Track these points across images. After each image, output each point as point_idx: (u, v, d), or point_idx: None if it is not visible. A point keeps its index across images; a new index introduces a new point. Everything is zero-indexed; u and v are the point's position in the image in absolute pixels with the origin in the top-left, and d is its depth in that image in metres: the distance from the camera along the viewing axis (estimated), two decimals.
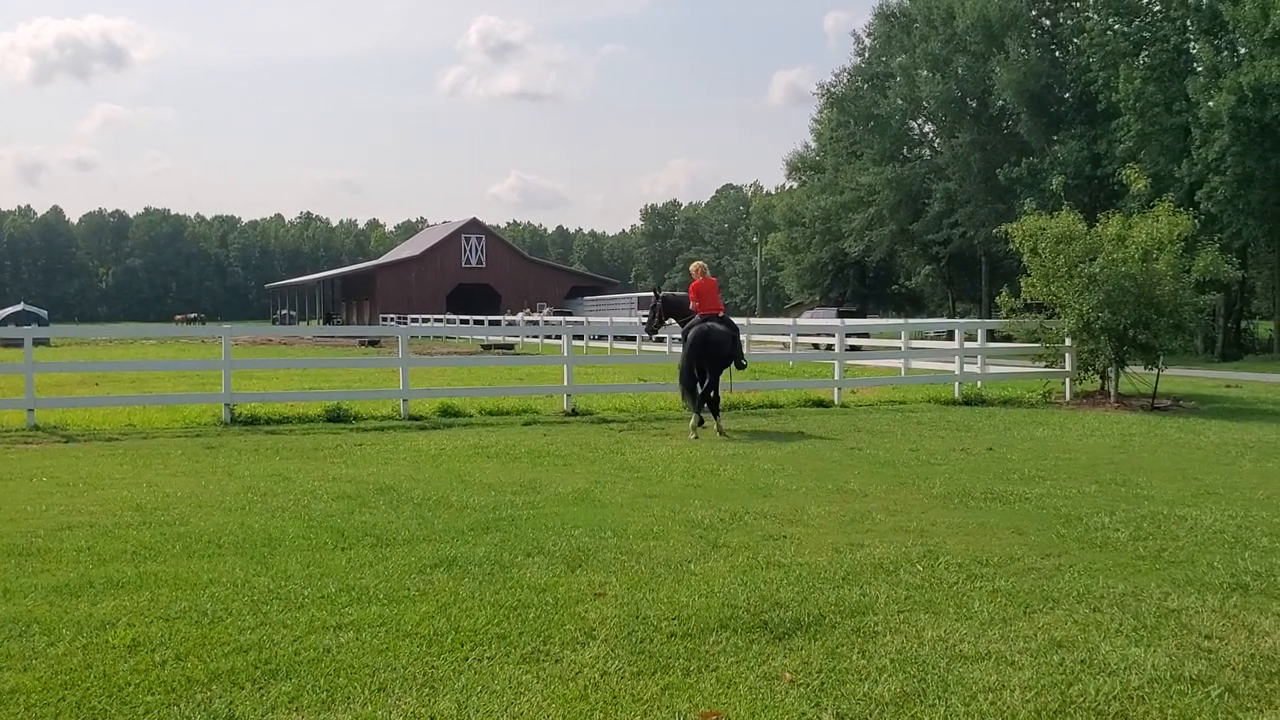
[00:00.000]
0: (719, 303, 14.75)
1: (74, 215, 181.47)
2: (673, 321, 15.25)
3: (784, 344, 32.81)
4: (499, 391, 18.13)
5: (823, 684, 4.61)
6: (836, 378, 18.66)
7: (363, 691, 4.45)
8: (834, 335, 26.81)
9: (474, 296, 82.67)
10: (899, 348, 24.21)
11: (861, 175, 57.12)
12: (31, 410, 14.58)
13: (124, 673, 4.65)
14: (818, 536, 7.48)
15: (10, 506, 8.59)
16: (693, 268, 15.39)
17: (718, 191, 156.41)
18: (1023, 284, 19.37)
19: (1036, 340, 20.06)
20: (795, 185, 76.12)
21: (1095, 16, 44.37)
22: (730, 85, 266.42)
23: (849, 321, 24.63)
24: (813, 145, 68.65)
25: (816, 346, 33.59)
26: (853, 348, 24.02)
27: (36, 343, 15.10)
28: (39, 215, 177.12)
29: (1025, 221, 19.64)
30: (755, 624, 5.39)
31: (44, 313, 56.40)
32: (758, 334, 32.62)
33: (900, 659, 4.90)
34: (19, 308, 56.11)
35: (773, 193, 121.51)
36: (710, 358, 14.00)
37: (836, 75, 64.03)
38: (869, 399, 18.96)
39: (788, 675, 4.69)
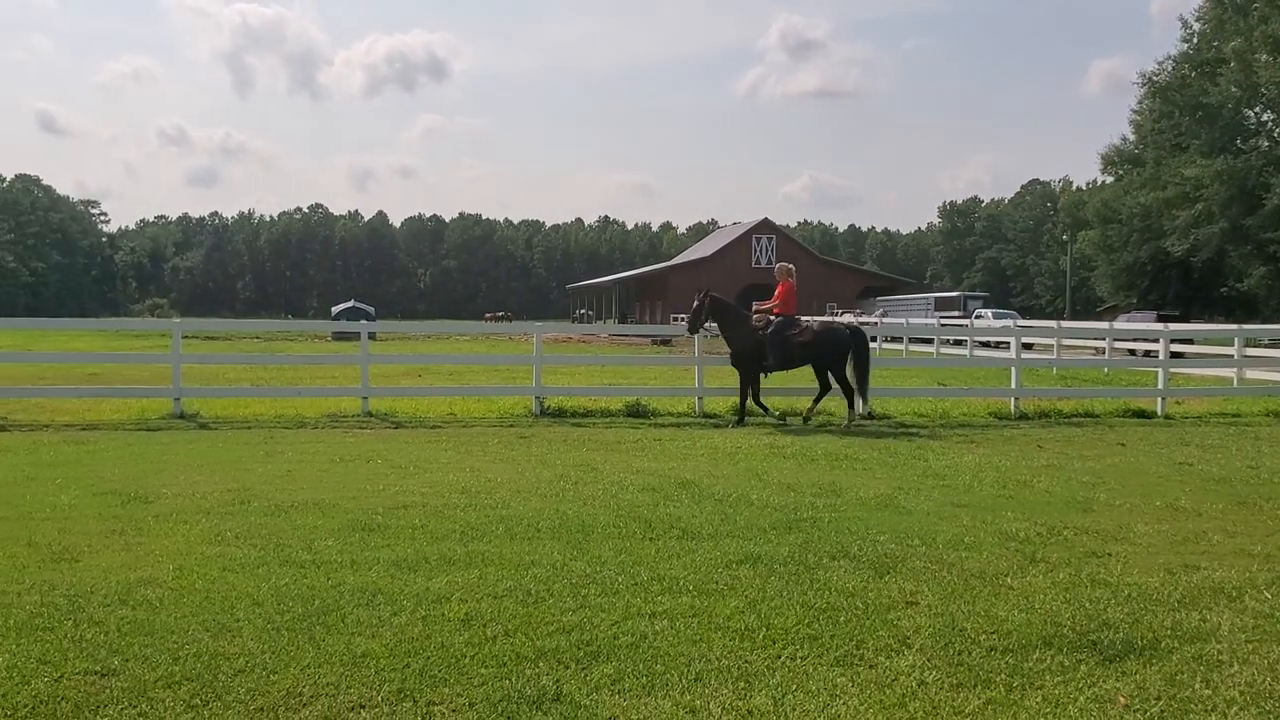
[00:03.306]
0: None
1: (397, 219, 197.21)
2: (714, 323, 15.94)
3: (1097, 349, 30.85)
4: (791, 392, 18.04)
5: (1162, 712, 4.29)
6: (1160, 386, 17.33)
7: (680, 680, 4.55)
8: (1153, 341, 24.92)
9: (763, 296, 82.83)
10: (1231, 355, 22.17)
11: (1187, 169, 52.77)
12: (366, 398, 15.94)
13: (459, 645, 4.98)
14: (1146, 556, 6.97)
15: (353, 486, 9.41)
16: (787, 268, 16.11)
17: (1023, 187, 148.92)
18: None
19: None
20: (1111, 180, 71.33)
21: None
22: (1041, 76, 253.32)
23: (1172, 326, 22.77)
24: (1131, 137, 64.16)
25: (1133, 353, 31.35)
26: (1175, 355, 22.22)
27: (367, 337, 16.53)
28: (366, 219, 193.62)
29: None
30: (1082, 644, 5.08)
31: (371, 309, 61.63)
32: (1068, 338, 30.89)
33: (1251, 692, 4.49)
34: (350, 304, 61.70)
35: (1084, 188, 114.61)
36: (859, 358, 15.05)
37: (1160, 63, 59.49)
38: (1196, 410, 17.48)
39: (1122, 699, 4.40)
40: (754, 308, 16.04)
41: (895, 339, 38.14)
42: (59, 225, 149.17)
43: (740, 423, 14.95)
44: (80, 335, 47.13)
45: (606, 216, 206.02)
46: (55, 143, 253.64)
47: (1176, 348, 23.43)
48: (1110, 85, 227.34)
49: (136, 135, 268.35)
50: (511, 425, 14.72)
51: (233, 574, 6.22)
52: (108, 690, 4.40)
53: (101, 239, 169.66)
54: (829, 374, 15.17)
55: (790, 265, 16.36)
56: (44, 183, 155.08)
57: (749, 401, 15.31)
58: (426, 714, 4.20)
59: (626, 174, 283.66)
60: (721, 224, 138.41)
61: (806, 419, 15.06)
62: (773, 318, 15.37)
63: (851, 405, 15.05)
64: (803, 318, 15.93)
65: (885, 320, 47.24)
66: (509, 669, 4.67)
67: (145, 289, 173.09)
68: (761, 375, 15.48)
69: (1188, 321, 46.29)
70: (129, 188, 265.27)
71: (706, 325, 16.01)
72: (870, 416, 15.58)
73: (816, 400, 15.31)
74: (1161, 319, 40.23)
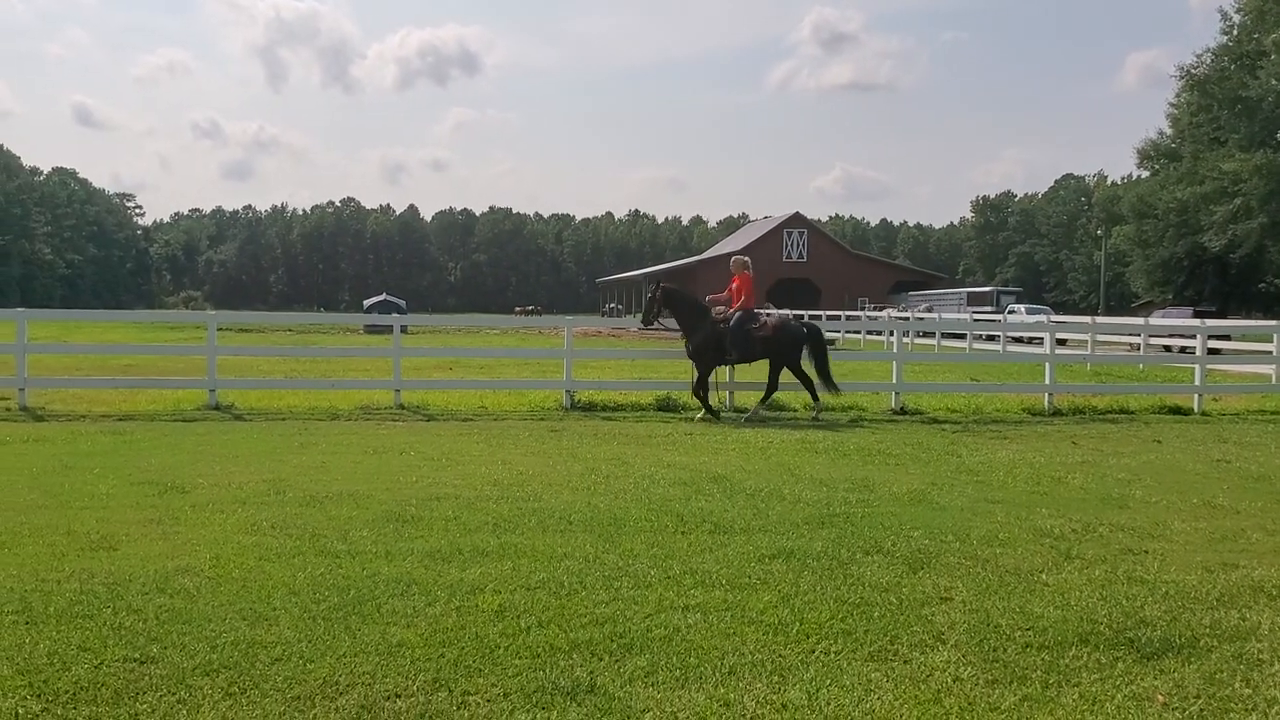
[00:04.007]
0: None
1: (428, 213, 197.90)
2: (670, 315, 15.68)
3: (1131, 345, 30.58)
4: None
5: (1201, 711, 4.25)
6: (1197, 383, 17.14)
7: (714, 673, 4.55)
8: (1188, 336, 24.68)
9: (795, 291, 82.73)
10: (1270, 351, 21.91)
11: (1225, 163, 52.09)
12: (398, 391, 16.02)
13: (493, 636, 5.00)
14: (1184, 554, 6.90)
15: (387, 477, 9.48)
16: (743, 261, 15.88)
17: (1056, 182, 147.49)
18: None
19: None
20: (1146, 174, 70.57)
21: None
22: (1077, 69, 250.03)
23: (1209, 322, 22.50)
24: (1168, 131, 63.42)
25: (1168, 349, 31.04)
26: (1212, 351, 21.97)
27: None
28: (398, 213, 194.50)
29: None
30: (1119, 641, 5.05)
31: (403, 303, 62.05)
32: (1102, 334, 30.59)
33: None
34: (381, 298, 62.23)
35: (1119, 183, 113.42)
36: (816, 352, 15.30)
37: (1199, 56, 58.70)
38: (1234, 407, 17.28)
39: (1160, 697, 4.36)
40: (707, 300, 15.92)
41: (928, 334, 37.93)
42: (95, 218, 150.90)
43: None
44: (116, 327, 47.71)
45: (636, 210, 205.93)
46: (91, 136, 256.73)
47: (1213, 344, 23.20)
48: (1147, 78, 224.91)
49: (171, 128, 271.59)
50: (542, 419, 14.76)
51: (269, 563, 6.28)
52: (147, 677, 4.45)
53: (136, 231, 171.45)
54: (784, 369, 15.23)
55: (747, 259, 16.21)
56: (80, 175, 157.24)
57: (699, 391, 15.22)
58: (462, 704, 4.22)
59: (657, 168, 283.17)
60: (752, 218, 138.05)
61: (750, 418, 14.88)
62: (732, 311, 15.33)
63: (815, 396, 15.20)
64: (759, 311, 15.84)
65: (924, 316, 46.81)
66: (543, 660, 4.69)
67: (179, 281, 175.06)
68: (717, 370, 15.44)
69: (1225, 317, 45.76)
70: (164, 181, 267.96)
71: (662, 320, 15.90)
72: (902, 411, 15.49)
73: (764, 399, 15.29)
74: (1198, 315, 39.83)
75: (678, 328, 15.75)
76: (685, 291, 16.14)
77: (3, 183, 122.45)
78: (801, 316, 56.45)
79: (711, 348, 15.15)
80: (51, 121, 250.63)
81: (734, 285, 15.52)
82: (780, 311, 25.13)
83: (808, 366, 15.35)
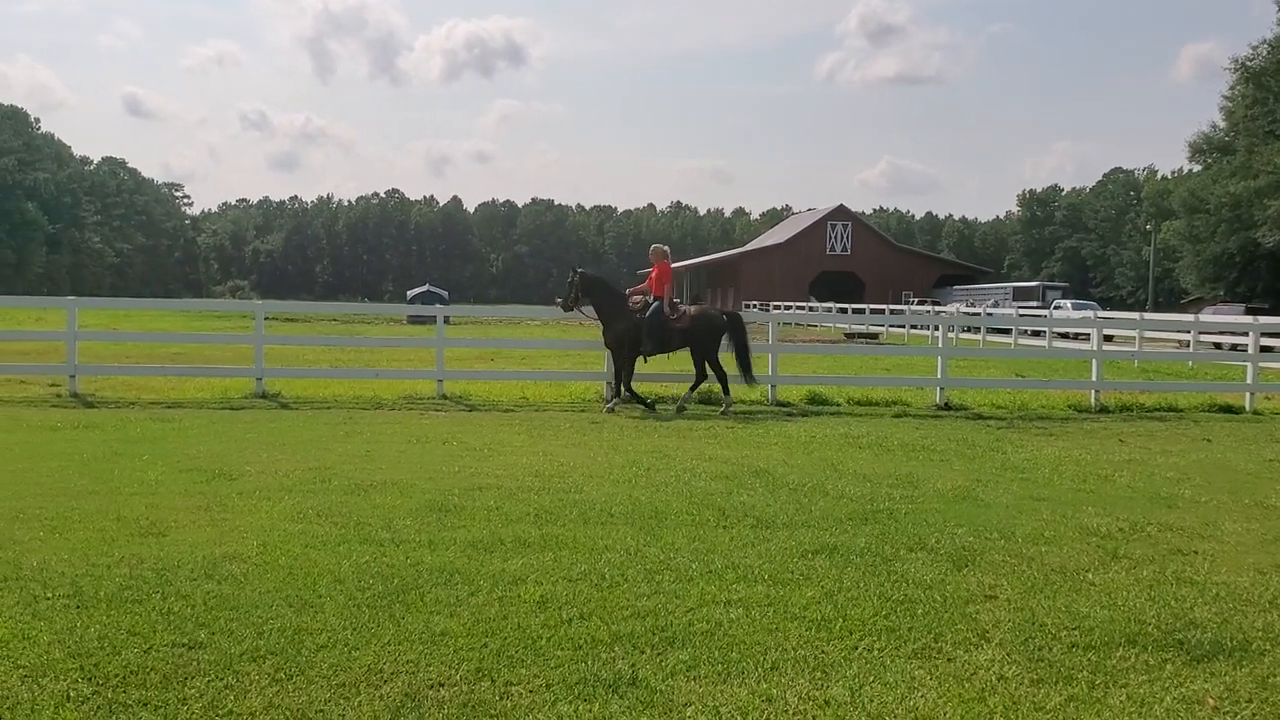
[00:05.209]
0: None
1: (470, 204, 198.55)
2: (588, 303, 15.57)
3: (1180, 342, 30.10)
4: (867, 381, 17.91)
5: (1253, 716, 4.19)
6: (1249, 381, 16.83)
7: (756, 669, 4.54)
8: (1239, 334, 24.29)
9: (837, 284, 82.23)
10: None
11: None
12: (441, 381, 16.12)
13: (535, 626, 5.02)
14: (1235, 555, 6.79)
15: (429, 467, 9.54)
16: (662, 250, 15.92)
17: (1105, 175, 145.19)
18: None
19: None
20: (1198, 168, 69.37)
21: None
22: (1129, 61, 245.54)
23: (1263, 319, 22.09)
24: (1221, 124, 62.27)
25: (1219, 346, 30.51)
26: (1265, 349, 21.57)
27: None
28: (441, 205, 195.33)
29: None
30: (1168, 643, 4.97)
31: (445, 293, 62.36)
32: (1150, 330, 30.15)
33: None
34: (425, 288, 62.57)
35: (1169, 177, 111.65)
36: (737, 341, 15.11)
37: (1254, 47, 57.55)
38: None
39: (1210, 701, 4.29)
40: (628, 293, 15.80)
41: (974, 329, 37.57)
42: (144, 207, 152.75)
43: (615, 404, 14.88)
44: (164, 315, 48.37)
45: (679, 202, 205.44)
46: (142, 126, 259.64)
47: (1266, 341, 22.78)
48: (1201, 71, 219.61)
49: (220, 119, 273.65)
50: (583, 410, 14.78)
51: (315, 551, 6.34)
52: (195, 662, 4.51)
53: (185, 221, 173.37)
54: (705, 360, 15.10)
55: (665, 248, 16.14)
56: (130, 165, 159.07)
57: (624, 386, 15.18)
58: (504, 694, 4.24)
59: (701, 159, 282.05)
60: (796, 210, 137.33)
61: (680, 408, 14.86)
62: (650, 300, 15.24)
63: (726, 391, 15.07)
64: (679, 302, 15.67)
65: (993, 312, 46.19)
66: (585, 652, 4.69)
67: (226, 271, 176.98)
68: (642, 359, 15.35)
69: (1278, 315, 44.89)
70: (212, 171, 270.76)
71: (581, 309, 15.77)
72: (947, 406, 15.33)
73: (692, 388, 15.25)
74: (1250, 312, 39.13)
75: (596, 317, 15.61)
76: (604, 279, 16.07)
77: (54, 172, 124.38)
78: (845, 310, 55.91)
79: (630, 339, 15.09)
80: (102, 112, 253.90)
81: (653, 275, 15.52)
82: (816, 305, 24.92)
83: (728, 358, 15.18)
